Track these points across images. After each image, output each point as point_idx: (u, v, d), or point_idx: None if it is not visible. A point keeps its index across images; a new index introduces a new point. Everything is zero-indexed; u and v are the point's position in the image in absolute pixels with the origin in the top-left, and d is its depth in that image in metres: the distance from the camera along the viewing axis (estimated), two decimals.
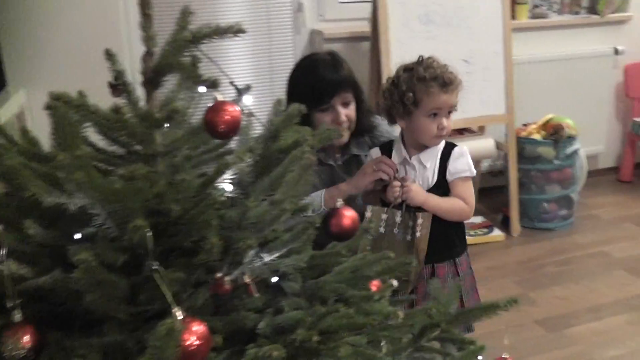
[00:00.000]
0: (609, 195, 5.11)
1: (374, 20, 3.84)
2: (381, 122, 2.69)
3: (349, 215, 1.29)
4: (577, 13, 5.08)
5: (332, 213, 1.30)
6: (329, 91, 2.46)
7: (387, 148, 2.46)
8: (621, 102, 5.42)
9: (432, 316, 1.43)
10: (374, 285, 1.41)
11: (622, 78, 5.32)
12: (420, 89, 2.27)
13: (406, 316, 1.39)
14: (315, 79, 2.46)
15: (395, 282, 1.48)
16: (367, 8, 4.00)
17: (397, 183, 2.34)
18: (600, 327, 3.25)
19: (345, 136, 2.55)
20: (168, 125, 1.17)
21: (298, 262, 1.23)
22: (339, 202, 1.32)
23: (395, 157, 2.41)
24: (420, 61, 2.32)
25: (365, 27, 4.07)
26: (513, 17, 4.59)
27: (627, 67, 5.26)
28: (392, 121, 2.44)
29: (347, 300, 1.26)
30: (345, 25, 4.25)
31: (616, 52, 5.12)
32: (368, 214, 2.39)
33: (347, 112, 2.50)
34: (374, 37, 3.92)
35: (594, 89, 5.10)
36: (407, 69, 2.33)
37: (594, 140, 5.21)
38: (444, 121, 2.32)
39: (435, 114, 2.30)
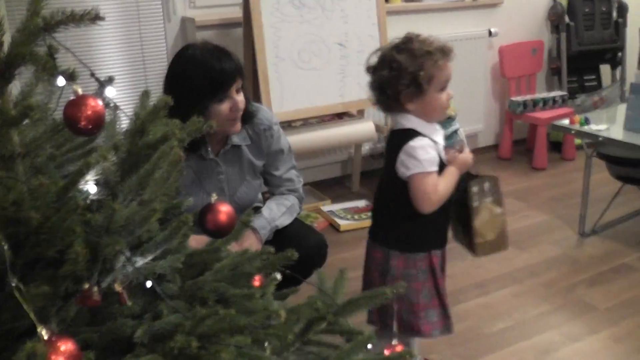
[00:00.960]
0: (489, 173, 5.22)
1: (246, 5, 3.78)
2: (259, 107, 2.64)
3: (225, 210, 1.23)
4: None
5: (208, 209, 1.23)
6: (228, 80, 2.38)
7: (414, 135, 2.23)
8: (497, 82, 5.57)
9: (318, 309, 1.39)
10: (257, 280, 1.36)
11: (497, 59, 5.46)
12: (429, 64, 2.16)
13: (291, 311, 1.35)
14: (213, 70, 2.37)
15: (279, 276, 1.44)
16: None
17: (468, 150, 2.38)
18: (487, 302, 3.31)
19: (239, 125, 2.49)
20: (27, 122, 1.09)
21: (174, 263, 1.17)
22: (215, 197, 1.25)
23: (440, 138, 2.30)
24: (410, 38, 2.23)
25: (237, 13, 4.00)
26: (387, 0, 4.61)
27: (501, 48, 5.41)
28: (391, 110, 2.31)
29: (228, 299, 1.21)
30: (217, 12, 4.16)
31: (490, 34, 5.24)
32: (475, 189, 2.35)
33: (241, 99, 2.44)
34: (246, 23, 3.85)
35: (471, 70, 5.22)
36: (399, 49, 2.21)
37: (473, 119, 5.34)
38: (450, 92, 2.27)
39: (443, 87, 2.23)
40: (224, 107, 2.39)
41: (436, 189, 2.22)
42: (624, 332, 3.04)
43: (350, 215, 4.25)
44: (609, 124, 3.77)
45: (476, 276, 3.55)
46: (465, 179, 2.36)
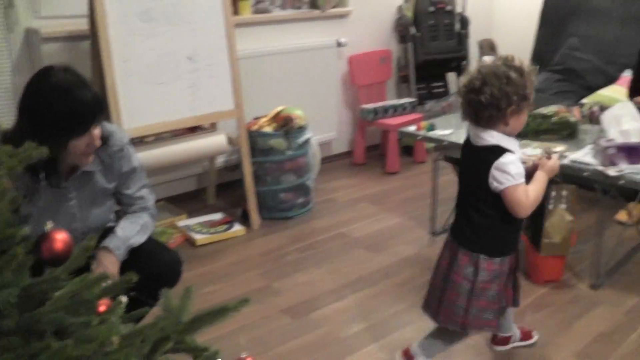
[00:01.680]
0: (344, 179, 5.37)
1: (92, 17, 3.68)
2: (112, 129, 2.59)
3: (60, 238, 1.22)
4: (299, 8, 5.27)
5: (43, 237, 1.22)
6: (91, 118, 2.31)
7: (501, 151, 2.38)
8: (349, 91, 5.72)
9: (163, 328, 1.39)
10: (104, 304, 1.35)
11: (347, 68, 5.60)
12: (529, 82, 2.33)
13: (136, 332, 1.34)
14: (79, 107, 2.26)
15: (124, 299, 1.43)
16: (85, 4, 3.74)
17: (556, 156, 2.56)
18: (344, 306, 3.38)
19: (91, 158, 2.44)
20: None
21: (8, 298, 1.13)
22: (49, 225, 1.24)
23: (518, 150, 2.43)
24: (505, 57, 2.37)
25: (85, 25, 3.84)
26: (236, 12, 4.66)
27: (351, 57, 5.59)
28: (490, 125, 2.38)
29: (66, 329, 1.19)
30: (64, 23, 4.00)
31: (339, 44, 5.38)
32: (553, 193, 2.61)
33: (97, 133, 2.38)
34: (93, 36, 3.75)
35: (322, 79, 5.34)
36: (508, 65, 2.33)
37: (327, 127, 5.46)
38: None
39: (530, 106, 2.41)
40: (81, 142, 2.32)
41: (527, 195, 2.39)
42: None
43: (206, 229, 4.23)
44: (456, 129, 3.92)
45: (332, 282, 3.62)
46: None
